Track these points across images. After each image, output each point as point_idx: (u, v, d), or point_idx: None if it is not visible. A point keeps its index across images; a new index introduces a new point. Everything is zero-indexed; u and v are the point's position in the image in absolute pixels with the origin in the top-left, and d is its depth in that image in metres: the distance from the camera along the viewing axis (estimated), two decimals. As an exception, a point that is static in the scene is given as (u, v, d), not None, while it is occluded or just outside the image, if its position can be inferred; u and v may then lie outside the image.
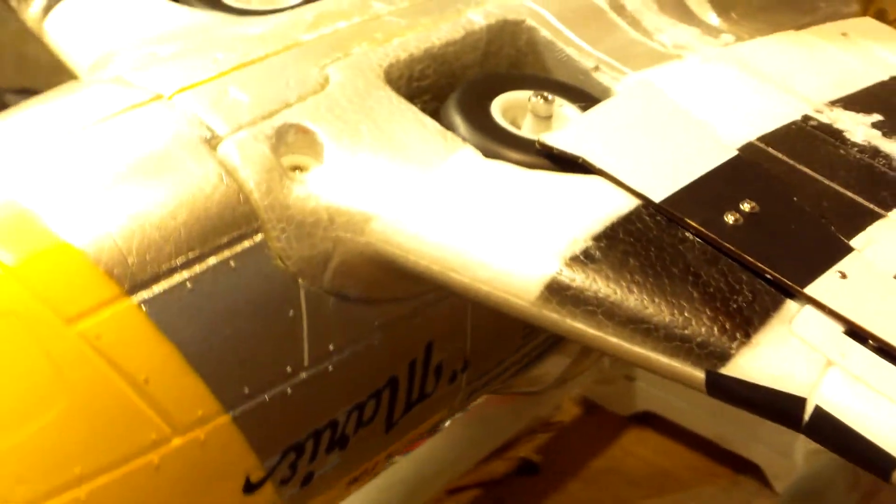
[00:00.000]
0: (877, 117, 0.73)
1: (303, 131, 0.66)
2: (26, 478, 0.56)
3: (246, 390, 0.64)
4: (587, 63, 0.75)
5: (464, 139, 0.67)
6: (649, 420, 1.49)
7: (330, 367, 0.68)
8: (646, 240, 0.61)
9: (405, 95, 0.70)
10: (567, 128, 0.68)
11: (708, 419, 1.43)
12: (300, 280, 0.65)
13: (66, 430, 0.57)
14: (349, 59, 0.70)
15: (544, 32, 0.76)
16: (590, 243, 0.60)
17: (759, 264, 0.59)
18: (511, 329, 0.85)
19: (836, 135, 0.71)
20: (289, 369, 0.66)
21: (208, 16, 0.78)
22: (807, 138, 0.70)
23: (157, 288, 0.60)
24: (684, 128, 0.69)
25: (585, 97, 0.73)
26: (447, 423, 1.17)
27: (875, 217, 0.64)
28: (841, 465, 1.28)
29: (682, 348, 0.57)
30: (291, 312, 0.65)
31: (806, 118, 0.72)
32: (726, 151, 0.67)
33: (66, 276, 0.58)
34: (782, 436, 1.32)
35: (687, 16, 0.81)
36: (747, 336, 0.57)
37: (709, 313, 0.57)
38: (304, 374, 0.67)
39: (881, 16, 0.93)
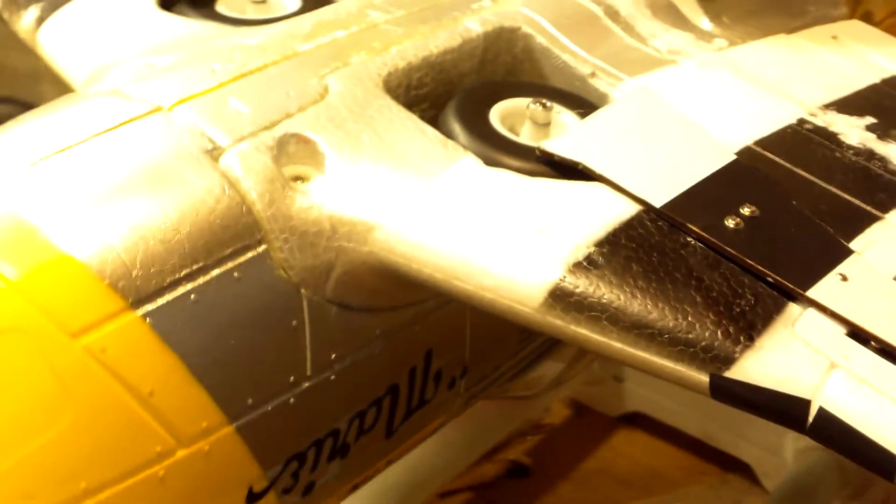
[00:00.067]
0: (870, 120, 0.74)
1: (304, 141, 0.66)
2: (32, 493, 0.56)
3: (250, 401, 0.64)
4: (584, 69, 0.75)
5: (463, 147, 0.67)
6: (638, 420, 1.50)
7: (332, 376, 0.68)
8: (648, 245, 0.61)
9: (403, 104, 0.70)
10: (567, 135, 0.69)
11: (697, 418, 1.44)
12: (303, 290, 0.65)
13: (72, 444, 0.57)
14: (348, 69, 0.70)
15: (540, 39, 0.77)
16: (592, 249, 0.60)
17: (761, 268, 0.60)
18: (508, 334, 0.85)
19: (831, 138, 0.72)
20: (292, 379, 0.66)
21: (203, 26, 0.78)
22: (803, 142, 0.71)
23: (162, 300, 0.60)
24: (682, 133, 0.69)
25: (583, 103, 0.73)
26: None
27: (873, 219, 0.65)
28: (830, 463, 1.29)
29: (687, 352, 0.58)
30: (294, 322, 0.65)
31: (801, 122, 0.73)
32: (725, 156, 0.67)
33: (69, 290, 0.58)
34: (771, 434, 1.33)
35: (680, 21, 0.81)
36: (751, 339, 0.57)
37: (712, 317, 0.58)
38: (306, 384, 0.67)
39: (868, 18, 0.94)
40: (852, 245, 0.63)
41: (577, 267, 0.60)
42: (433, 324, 0.74)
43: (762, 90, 0.75)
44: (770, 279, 0.59)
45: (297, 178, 0.65)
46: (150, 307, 0.59)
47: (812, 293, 0.59)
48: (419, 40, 0.74)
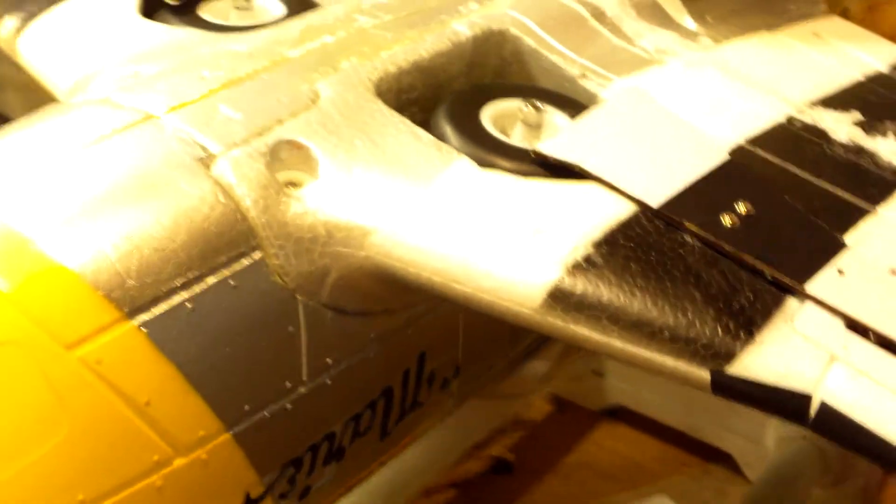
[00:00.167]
0: (857, 116, 0.75)
1: (297, 147, 0.65)
2: (30, 506, 0.56)
3: (246, 407, 0.64)
4: (573, 70, 0.75)
5: (456, 150, 0.67)
6: (620, 414, 1.50)
7: (328, 381, 0.68)
8: (646, 244, 0.61)
9: (394, 108, 0.70)
10: (560, 136, 0.69)
11: (678, 410, 1.44)
12: (298, 296, 0.64)
13: (69, 456, 0.57)
14: (339, 74, 0.70)
15: (528, 41, 0.77)
16: (591, 250, 0.61)
17: (759, 264, 0.60)
18: (500, 334, 0.85)
19: (820, 135, 0.72)
20: (288, 384, 0.66)
21: (187, 33, 0.78)
22: (793, 139, 0.71)
23: (157, 310, 0.59)
24: (675, 132, 0.69)
25: (573, 104, 0.73)
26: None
27: (865, 214, 0.66)
28: (812, 451, 1.30)
29: (687, 349, 0.58)
30: (291, 328, 0.65)
31: (790, 119, 0.73)
32: (718, 155, 0.68)
33: (64, 301, 0.58)
34: (753, 424, 1.34)
35: (665, 21, 0.82)
36: (751, 335, 0.57)
37: (712, 314, 0.58)
38: (302, 389, 0.67)
39: (846, 14, 0.95)
40: (846, 239, 0.63)
41: (576, 267, 0.60)
42: (427, 326, 0.74)
43: (750, 88, 0.76)
44: (768, 275, 0.60)
45: (290, 185, 0.65)
46: (145, 317, 0.59)
47: (810, 288, 0.59)
48: (408, 45, 0.74)
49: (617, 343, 0.59)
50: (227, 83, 0.68)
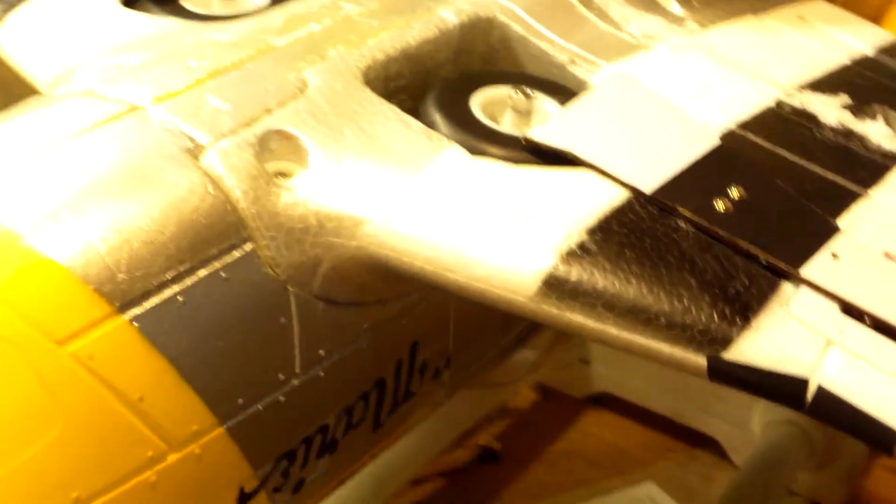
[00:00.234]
0: (845, 99, 0.75)
1: (286, 137, 0.65)
2: (24, 505, 0.55)
3: (240, 401, 0.63)
4: (561, 57, 0.75)
5: (447, 138, 0.67)
6: (605, 401, 1.50)
7: (321, 373, 0.67)
8: (640, 230, 0.61)
9: (382, 96, 0.69)
10: (551, 122, 0.68)
11: (663, 396, 1.44)
12: (290, 287, 0.64)
13: (63, 454, 0.56)
14: (326, 63, 0.69)
15: (516, 28, 0.76)
16: (585, 237, 0.60)
17: (753, 249, 0.60)
18: (491, 323, 0.85)
19: (809, 118, 0.72)
20: (281, 377, 0.65)
21: (170, 22, 0.76)
22: (783, 123, 0.71)
23: (149, 304, 0.58)
24: (665, 118, 0.69)
25: (562, 91, 0.73)
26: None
27: (857, 197, 0.66)
28: (798, 435, 1.31)
29: (684, 336, 0.58)
30: (283, 320, 0.64)
31: (779, 103, 0.73)
32: (709, 139, 0.67)
33: (54, 296, 0.57)
34: (739, 409, 1.35)
35: (651, 5, 0.81)
36: (747, 320, 0.57)
37: (708, 300, 0.58)
38: (295, 381, 0.66)
39: (830, -3, 0.95)
40: (839, 223, 0.63)
41: (571, 255, 0.59)
42: (418, 316, 0.74)
43: (738, 72, 0.76)
44: (763, 260, 0.60)
45: (280, 175, 0.64)
46: (137, 311, 0.58)
47: (805, 272, 0.59)
48: (395, 32, 0.73)
49: (612, 330, 0.59)
50: (213, 73, 0.67)
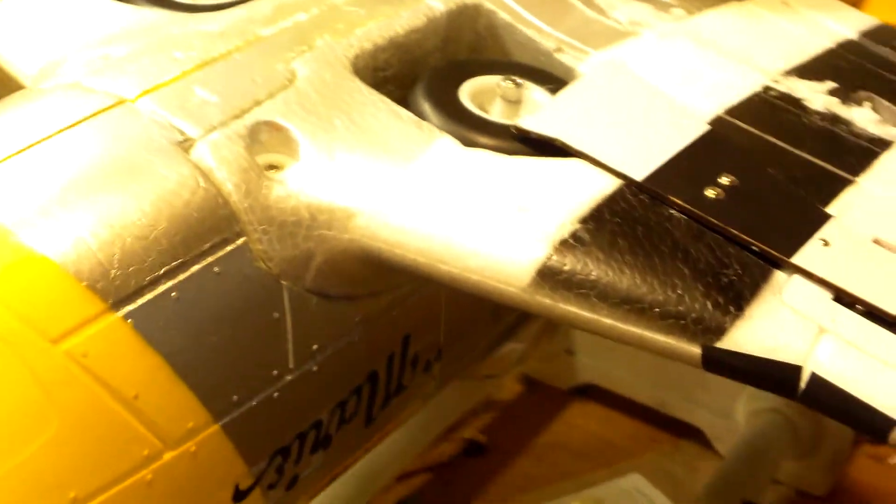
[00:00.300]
0: (831, 84, 0.75)
1: (276, 129, 0.64)
2: (20, 506, 0.54)
3: (234, 398, 0.63)
4: (548, 44, 0.75)
5: (437, 128, 0.66)
6: (590, 392, 1.50)
7: (314, 367, 0.67)
8: (632, 219, 0.61)
9: (370, 86, 0.69)
10: (541, 111, 0.68)
11: (648, 387, 1.45)
12: (283, 281, 0.63)
13: (59, 454, 0.55)
14: (314, 52, 0.69)
15: (503, 15, 0.76)
16: (577, 226, 0.60)
17: (745, 237, 0.60)
18: (481, 315, 0.85)
19: (796, 104, 0.72)
20: (275, 373, 0.65)
21: (155, 13, 0.76)
22: (770, 109, 0.71)
23: (142, 300, 0.58)
24: (655, 105, 0.69)
25: (551, 79, 0.73)
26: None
27: (846, 183, 0.66)
28: (782, 424, 1.31)
29: (678, 325, 0.58)
30: (276, 314, 0.64)
31: (766, 89, 0.73)
32: (698, 126, 0.67)
33: (47, 293, 0.56)
34: (722, 398, 1.35)
35: (637, -8, 0.81)
36: (740, 309, 0.57)
37: (701, 289, 0.58)
38: (289, 377, 0.66)
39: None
40: (829, 210, 0.63)
41: (564, 244, 0.59)
42: (410, 308, 0.73)
43: (724, 59, 0.75)
44: (755, 247, 0.60)
45: (271, 167, 0.64)
46: (130, 307, 0.57)
47: (797, 260, 0.59)
48: (383, 21, 0.73)
49: (606, 321, 0.59)
50: (200, 64, 0.67)
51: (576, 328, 0.61)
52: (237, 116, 0.64)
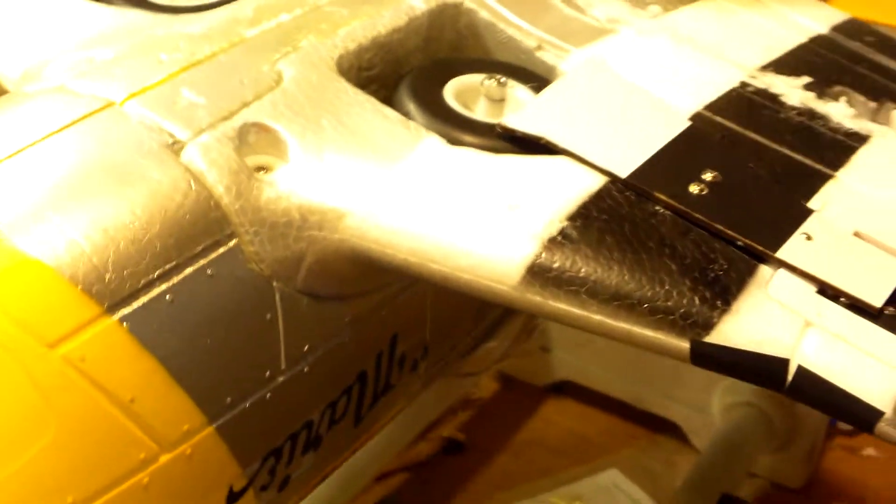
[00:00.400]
0: (806, 79, 0.76)
1: (265, 130, 0.64)
2: (18, 511, 0.54)
3: (228, 399, 0.63)
4: (529, 42, 0.75)
5: (423, 127, 0.67)
6: (567, 389, 1.51)
7: (306, 368, 0.67)
8: (618, 216, 0.62)
9: (355, 86, 0.69)
10: (525, 110, 0.69)
11: (624, 383, 1.46)
12: (275, 282, 0.64)
13: (57, 458, 0.55)
14: (299, 53, 0.69)
15: (483, 14, 0.77)
16: (565, 224, 0.61)
17: (730, 232, 0.61)
18: (465, 313, 0.85)
19: (773, 99, 0.73)
20: (267, 374, 0.65)
21: (137, 15, 0.75)
22: (748, 105, 0.72)
23: (137, 303, 0.58)
24: (637, 102, 0.70)
25: (533, 77, 0.73)
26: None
27: (825, 178, 0.67)
28: (758, 417, 1.33)
29: (666, 320, 0.58)
30: (268, 316, 0.64)
31: (743, 84, 0.74)
32: (680, 122, 0.68)
33: (42, 298, 0.56)
34: (698, 392, 1.36)
35: (613, -11, 0.82)
36: (727, 303, 0.58)
37: (688, 284, 0.59)
38: (281, 378, 0.66)
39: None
40: (810, 204, 0.64)
41: (553, 242, 0.60)
42: (398, 307, 0.74)
43: (701, 55, 0.77)
44: (740, 242, 0.61)
45: (260, 169, 0.64)
46: (126, 311, 0.57)
47: (781, 254, 0.60)
48: (366, 20, 0.73)
49: (595, 317, 0.60)
50: (186, 66, 0.67)
51: (565, 325, 0.62)
52: (225, 118, 0.64)
